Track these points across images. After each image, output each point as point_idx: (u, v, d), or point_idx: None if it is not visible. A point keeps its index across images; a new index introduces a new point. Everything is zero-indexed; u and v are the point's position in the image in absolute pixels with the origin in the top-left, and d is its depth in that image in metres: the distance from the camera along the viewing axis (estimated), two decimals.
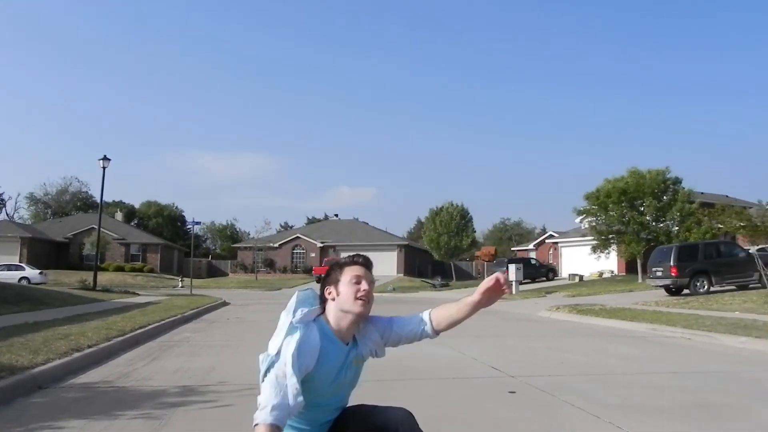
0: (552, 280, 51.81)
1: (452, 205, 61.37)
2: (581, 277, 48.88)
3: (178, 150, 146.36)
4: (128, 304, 21.55)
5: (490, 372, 8.43)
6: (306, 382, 2.79)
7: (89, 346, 9.94)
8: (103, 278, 55.89)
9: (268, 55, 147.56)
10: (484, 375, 8.24)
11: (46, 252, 65.98)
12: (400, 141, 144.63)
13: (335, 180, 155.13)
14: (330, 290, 3.05)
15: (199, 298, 28.00)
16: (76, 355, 9.19)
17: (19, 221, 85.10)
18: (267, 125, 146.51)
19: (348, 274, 3.01)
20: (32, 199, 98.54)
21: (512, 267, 37.55)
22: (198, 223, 52.97)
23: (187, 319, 17.64)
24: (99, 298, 24.35)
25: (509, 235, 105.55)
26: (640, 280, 38.59)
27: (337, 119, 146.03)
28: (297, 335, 2.85)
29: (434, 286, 49.98)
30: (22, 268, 45.56)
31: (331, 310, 3.02)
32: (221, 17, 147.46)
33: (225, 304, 27.11)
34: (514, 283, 36.11)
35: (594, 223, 42.31)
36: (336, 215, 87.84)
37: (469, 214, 61.49)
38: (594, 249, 42.50)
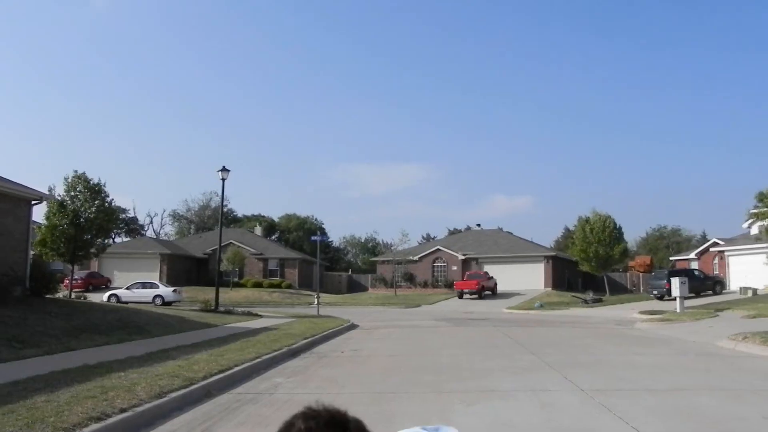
0: (719, 293, 46.39)
1: (599, 214, 56.74)
2: (755, 290, 43.38)
3: (320, 164, 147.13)
4: (239, 331, 19.36)
5: None
6: None
7: (121, 410, 7.43)
8: (239, 295, 55.46)
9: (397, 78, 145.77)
10: None
11: (186, 268, 66.19)
12: (559, 147, 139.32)
13: (491, 189, 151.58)
14: None
15: (324, 321, 25.55)
16: (93, 427, 6.71)
17: (164, 238, 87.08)
18: (427, 136, 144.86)
19: None
20: (176, 216, 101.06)
21: (675, 281, 33.08)
22: (322, 238, 51.25)
23: (294, 353, 15.07)
24: (212, 323, 22.34)
25: (666, 243, 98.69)
26: None
27: (500, 125, 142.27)
28: None
29: (586, 301, 45.72)
30: (157, 286, 44.92)
31: None
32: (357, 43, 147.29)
33: (352, 327, 24.54)
34: (678, 299, 31.85)
35: None
36: (478, 225, 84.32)
37: (617, 224, 56.60)
38: None
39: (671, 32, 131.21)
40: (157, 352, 13.21)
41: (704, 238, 79.95)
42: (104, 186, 33.16)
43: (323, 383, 10.69)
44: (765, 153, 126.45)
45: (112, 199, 34.06)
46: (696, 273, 46.05)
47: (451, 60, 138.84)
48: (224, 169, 31.77)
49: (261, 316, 28.71)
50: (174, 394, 8.75)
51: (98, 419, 6.96)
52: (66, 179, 32.53)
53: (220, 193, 36.91)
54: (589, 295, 47.36)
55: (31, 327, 16.09)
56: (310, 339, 17.80)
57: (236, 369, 11.34)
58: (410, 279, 67.34)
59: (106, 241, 36.49)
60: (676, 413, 7.92)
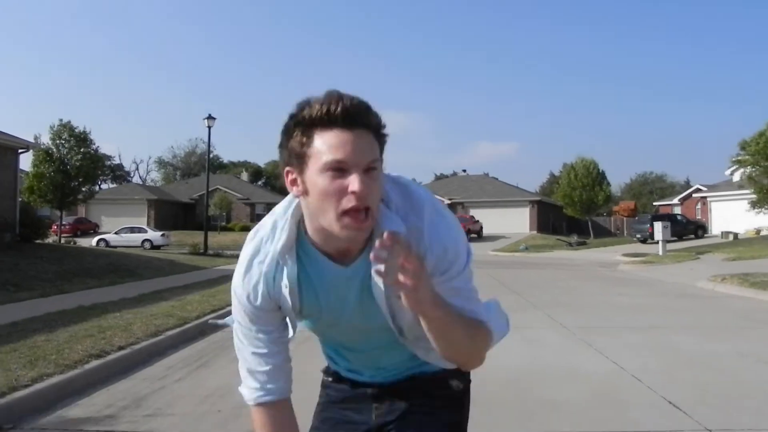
0: (701, 238, 47.06)
1: (584, 160, 56.94)
2: (735, 235, 43.94)
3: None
4: (229, 273, 19.39)
5: (671, 413, 5.43)
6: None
7: (120, 348, 7.68)
8: (227, 239, 55.65)
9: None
10: (662, 423, 5.24)
11: (173, 213, 66.26)
12: (546, 93, 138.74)
13: (476, 136, 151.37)
14: (293, 177, 1.55)
15: None
16: (93, 363, 6.94)
17: (151, 184, 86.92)
18: (410, 84, 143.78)
19: (321, 152, 1.46)
20: (161, 163, 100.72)
21: (658, 225, 33.73)
22: None
23: None
24: (201, 266, 22.59)
25: (650, 189, 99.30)
26: None
27: (480, 73, 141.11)
28: (254, 267, 1.66)
29: (570, 244, 46.28)
30: (145, 231, 45.18)
31: (306, 213, 1.59)
32: None
33: None
34: (661, 243, 32.36)
35: (753, 174, 37.34)
36: (464, 171, 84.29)
37: (601, 169, 56.82)
38: (753, 204, 37.60)
39: None
40: (150, 293, 13.43)
41: (687, 185, 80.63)
42: (90, 134, 33.09)
43: None
44: (748, 101, 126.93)
45: (98, 147, 34.01)
46: (679, 218, 46.71)
47: (434, 7, 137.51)
48: (210, 117, 31.72)
49: None
50: (169, 333, 8.98)
51: (98, 356, 7.18)
52: (52, 127, 32.47)
53: (206, 139, 36.89)
54: (574, 238, 47.97)
55: (24, 271, 16.30)
56: None
57: (228, 308, 11.57)
58: None
59: (93, 188, 36.44)
60: (653, 349, 8.24)
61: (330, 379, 2.00)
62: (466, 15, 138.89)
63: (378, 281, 1.57)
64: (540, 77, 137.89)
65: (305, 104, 1.50)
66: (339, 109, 1.45)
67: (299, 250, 1.65)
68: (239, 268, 1.70)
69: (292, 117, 1.52)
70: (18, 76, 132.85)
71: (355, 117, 1.47)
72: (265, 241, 1.68)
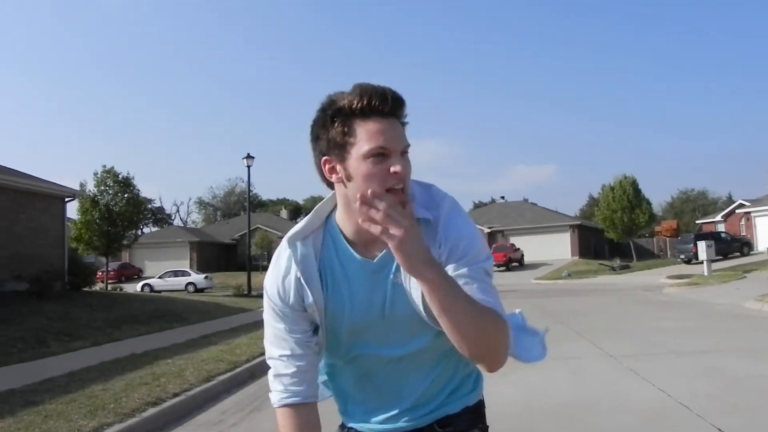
0: (747, 255, 46.23)
1: (625, 178, 56.42)
2: None
3: None
4: None
5: None
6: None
7: (174, 395, 7.89)
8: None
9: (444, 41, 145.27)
10: None
11: (215, 255, 66.92)
12: (582, 113, 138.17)
13: (512, 159, 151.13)
14: (332, 165, 1.65)
15: None
16: (150, 411, 7.15)
17: (192, 226, 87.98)
18: (449, 110, 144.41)
19: (364, 140, 1.56)
20: (201, 204, 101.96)
21: (702, 244, 33.13)
22: None
23: None
24: (246, 308, 22.87)
25: (692, 206, 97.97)
26: None
27: (513, 99, 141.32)
28: (282, 260, 1.73)
29: (613, 269, 45.83)
30: (188, 274, 45.74)
31: (341, 200, 1.69)
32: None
33: None
34: (705, 263, 31.92)
35: None
36: (503, 197, 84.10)
37: (638, 187, 56.19)
38: None
39: None
40: (198, 338, 13.71)
41: (730, 200, 79.37)
42: (132, 179, 33.82)
43: None
44: None
45: (140, 191, 34.76)
46: (723, 235, 46.00)
47: (461, 44, 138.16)
48: (249, 157, 32.23)
49: None
50: (221, 378, 9.19)
51: (154, 404, 7.40)
52: (96, 174, 33.25)
53: (244, 178, 37.50)
54: (617, 262, 47.45)
55: (75, 320, 16.68)
56: None
57: None
58: None
59: (136, 232, 37.21)
60: (701, 374, 8.23)
61: None
62: (496, 46, 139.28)
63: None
64: (575, 97, 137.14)
65: (340, 97, 1.61)
66: (378, 100, 1.57)
67: (328, 239, 1.75)
68: (271, 264, 1.80)
69: (325, 109, 1.63)
70: (61, 125, 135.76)
71: (391, 108, 1.59)
72: (303, 243, 1.75)
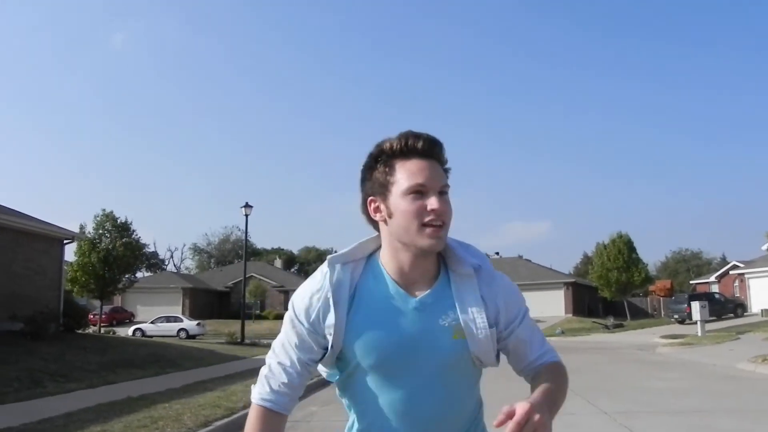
0: (741, 317, 46.27)
1: (620, 236, 56.66)
2: None
3: (345, 194, 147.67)
4: None
5: None
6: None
7: None
8: (262, 327, 55.84)
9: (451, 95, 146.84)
10: None
11: (208, 302, 66.76)
12: (577, 170, 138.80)
13: (507, 215, 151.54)
14: (377, 205, 1.80)
15: None
16: None
17: (185, 272, 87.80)
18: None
19: (403, 178, 1.72)
20: (196, 250, 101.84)
21: (695, 304, 33.23)
22: None
23: (325, 382, 15.44)
24: (240, 355, 22.87)
25: (686, 266, 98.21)
26: None
27: (510, 152, 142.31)
28: (318, 277, 1.81)
29: (607, 327, 45.75)
30: (180, 320, 45.47)
31: (385, 239, 1.81)
32: (393, 56, 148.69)
33: None
34: (699, 323, 31.97)
35: None
36: (497, 253, 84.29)
37: (633, 246, 56.48)
38: None
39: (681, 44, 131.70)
40: (194, 384, 13.73)
41: (724, 261, 79.54)
42: (130, 224, 33.99)
43: None
44: None
45: (139, 236, 34.89)
46: (716, 296, 46.10)
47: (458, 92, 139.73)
48: (247, 206, 32.39)
49: None
50: (218, 423, 9.25)
51: None
52: (95, 217, 33.43)
53: (240, 226, 37.64)
54: (610, 321, 47.39)
55: (70, 362, 16.68)
56: None
57: None
58: None
59: (132, 276, 37.25)
60: None
61: None
62: (489, 97, 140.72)
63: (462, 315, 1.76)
64: (574, 151, 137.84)
65: (385, 141, 1.78)
66: (416, 141, 1.74)
67: (368, 273, 1.83)
68: (306, 281, 1.87)
69: (372, 154, 1.79)
70: (62, 166, 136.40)
71: (428, 148, 1.75)
72: (343, 268, 1.82)
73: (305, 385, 1.92)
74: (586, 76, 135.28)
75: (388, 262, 1.82)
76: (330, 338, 1.78)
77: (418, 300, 1.78)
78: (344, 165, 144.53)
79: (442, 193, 1.74)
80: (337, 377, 1.91)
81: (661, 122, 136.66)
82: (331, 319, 1.77)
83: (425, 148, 1.75)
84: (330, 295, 1.77)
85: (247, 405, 8.32)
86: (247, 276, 66.80)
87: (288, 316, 1.87)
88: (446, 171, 1.81)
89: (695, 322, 34.97)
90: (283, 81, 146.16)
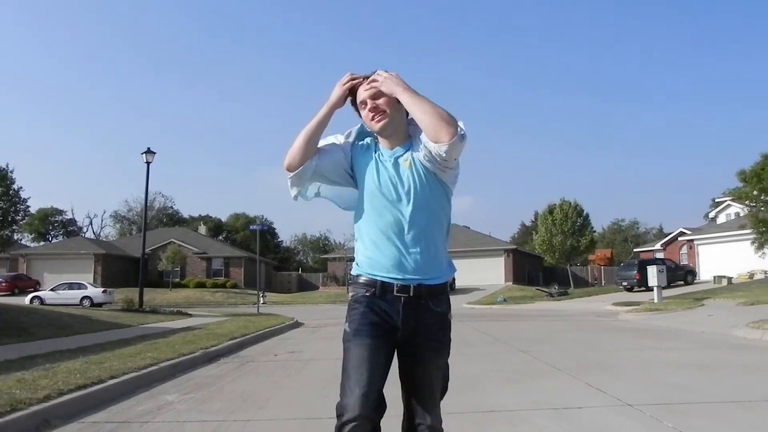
0: (691, 284, 43.87)
1: (566, 202, 53.93)
2: (730, 279, 40.92)
3: (272, 166, 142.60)
4: (152, 332, 15.71)
5: None
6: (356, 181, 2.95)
7: None
8: (179, 295, 51.52)
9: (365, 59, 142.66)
10: None
11: (124, 269, 61.58)
12: (497, 149, 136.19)
13: None
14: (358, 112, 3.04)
15: (262, 320, 21.91)
16: None
17: (104, 239, 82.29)
18: None
19: (358, 99, 2.93)
20: (116, 217, 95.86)
21: (652, 269, 30.22)
22: (261, 226, 47.53)
23: (210, 358, 11.45)
24: (125, 323, 18.62)
25: (624, 236, 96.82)
26: None
27: None
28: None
29: (551, 295, 42.71)
30: (85, 287, 40.74)
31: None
32: (323, 29, 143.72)
33: (295, 325, 21.01)
34: (656, 289, 28.93)
35: (754, 211, 34.29)
36: None
37: (585, 211, 53.98)
38: (758, 244, 34.43)
39: (619, 31, 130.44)
40: (16, 360, 9.55)
41: (662, 231, 78.28)
42: (11, 172, 29.13)
43: (234, 402, 7.10)
44: (709, 148, 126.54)
45: (20, 187, 30.02)
46: (667, 263, 43.31)
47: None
48: (149, 152, 27.84)
49: (191, 316, 25.01)
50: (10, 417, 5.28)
51: None
52: None
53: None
54: (554, 288, 44.55)
55: None
56: (238, 339, 14.22)
57: (111, 382, 7.69)
58: None
59: (10, 232, 32.30)
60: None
61: (364, 291, 2.82)
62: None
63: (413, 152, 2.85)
64: (494, 129, 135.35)
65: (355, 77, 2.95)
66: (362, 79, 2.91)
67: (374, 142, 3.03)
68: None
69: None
70: None
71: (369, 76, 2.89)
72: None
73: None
74: (506, 42, 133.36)
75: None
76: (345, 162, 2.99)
77: (393, 151, 2.91)
78: (270, 138, 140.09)
79: (374, 98, 2.84)
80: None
81: (590, 89, 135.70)
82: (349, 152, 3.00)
83: (367, 76, 2.89)
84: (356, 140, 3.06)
85: (54, 394, 4.38)
86: (166, 242, 62.42)
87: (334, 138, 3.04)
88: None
89: (647, 289, 32.50)
90: (207, 63, 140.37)
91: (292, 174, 2.84)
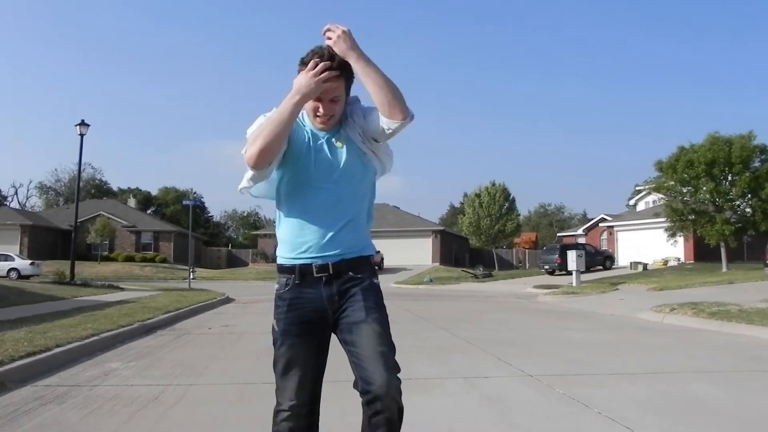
0: (610, 269, 45.75)
1: (494, 185, 55.28)
2: (645, 265, 42.82)
3: (203, 140, 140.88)
4: (88, 304, 16.02)
5: None
6: (284, 160, 2.80)
7: None
8: (108, 269, 51.16)
9: (291, 40, 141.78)
10: None
11: (51, 241, 60.61)
12: (429, 128, 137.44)
13: None
14: None
15: (194, 294, 22.40)
16: None
17: (30, 210, 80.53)
18: None
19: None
20: (43, 188, 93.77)
21: (572, 254, 31.64)
22: (194, 202, 47.45)
23: (147, 330, 11.99)
24: (58, 296, 18.84)
25: (549, 220, 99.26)
26: (724, 269, 32.73)
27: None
28: None
29: (476, 276, 44.01)
30: (12, 259, 40.29)
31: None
32: (246, 5, 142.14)
33: (227, 301, 21.56)
34: (575, 273, 30.30)
35: (669, 201, 36.03)
36: None
37: (511, 195, 55.43)
38: (671, 232, 36.23)
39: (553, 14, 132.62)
40: None
41: (586, 217, 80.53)
42: None
43: (175, 369, 7.73)
44: (632, 135, 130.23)
45: None
46: (587, 248, 45.05)
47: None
48: (83, 123, 27.78)
49: (122, 289, 25.19)
50: None
51: None
52: None
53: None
54: (479, 270, 45.81)
55: None
56: (173, 313, 14.75)
57: (57, 351, 8.22)
58: None
59: None
60: (681, 409, 5.50)
61: (284, 283, 2.84)
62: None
63: (348, 132, 2.84)
64: (427, 107, 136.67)
65: (306, 55, 2.76)
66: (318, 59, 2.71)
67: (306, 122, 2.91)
68: None
69: (300, 61, 2.78)
70: None
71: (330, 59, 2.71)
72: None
73: None
74: (437, 20, 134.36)
75: (311, 120, 2.89)
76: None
77: (327, 133, 2.86)
78: (212, 109, 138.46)
79: (333, 101, 2.76)
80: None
81: (532, 78, 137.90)
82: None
83: (326, 57, 2.71)
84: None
85: (7, 360, 4.86)
86: (94, 214, 61.63)
87: (257, 118, 2.84)
88: (350, 78, 2.79)
89: (567, 273, 33.76)
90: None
91: (255, 172, 2.72)
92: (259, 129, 2.65)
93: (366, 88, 2.68)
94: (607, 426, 4.89)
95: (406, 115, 2.67)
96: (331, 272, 2.75)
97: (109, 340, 10.04)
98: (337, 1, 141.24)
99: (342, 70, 2.70)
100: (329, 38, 2.70)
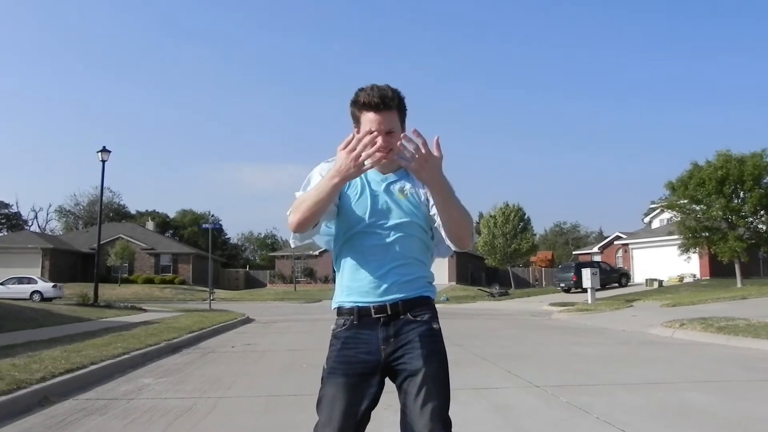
0: (625, 286, 45.88)
1: (508, 206, 55.77)
2: (660, 282, 42.98)
3: (220, 162, 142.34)
4: (114, 325, 16.61)
5: None
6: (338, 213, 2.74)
7: None
8: (128, 291, 51.86)
9: (307, 61, 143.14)
10: None
11: (71, 264, 61.51)
12: (447, 148, 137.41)
13: None
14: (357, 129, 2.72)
15: (215, 315, 22.97)
16: None
17: (50, 234, 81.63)
18: (311, 135, 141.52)
19: (364, 123, 2.64)
20: (62, 212, 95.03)
21: (586, 272, 31.94)
22: (213, 225, 48.14)
23: (174, 349, 12.55)
24: (85, 317, 19.46)
25: (565, 239, 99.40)
26: (739, 285, 32.92)
27: None
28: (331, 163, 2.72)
29: (492, 295, 44.39)
30: (35, 282, 41.02)
31: None
32: (262, 27, 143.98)
33: (247, 321, 22.08)
34: (590, 291, 30.66)
35: (682, 218, 36.34)
36: None
37: (526, 215, 55.87)
38: (684, 249, 36.51)
39: (572, 32, 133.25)
40: None
41: (602, 234, 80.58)
42: None
43: (204, 384, 8.26)
44: (648, 152, 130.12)
45: None
46: (602, 266, 45.30)
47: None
48: (104, 150, 28.57)
49: (145, 311, 25.82)
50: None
51: None
52: None
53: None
54: (496, 289, 46.14)
55: None
56: (196, 333, 15.31)
57: (93, 368, 8.79)
58: (310, 274, 64.94)
59: None
60: (674, 414, 5.96)
61: (342, 323, 2.72)
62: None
63: (413, 182, 2.71)
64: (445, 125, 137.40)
65: (356, 95, 2.65)
66: (370, 99, 2.59)
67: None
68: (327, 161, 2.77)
69: (351, 102, 2.69)
70: None
71: (378, 103, 2.59)
72: None
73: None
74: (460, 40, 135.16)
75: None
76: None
77: (386, 176, 2.74)
78: (229, 131, 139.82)
79: (389, 133, 2.57)
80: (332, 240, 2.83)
81: (541, 95, 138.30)
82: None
83: (376, 103, 2.58)
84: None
85: (49, 376, 5.34)
86: (113, 237, 62.42)
87: (311, 172, 2.80)
88: (402, 111, 2.69)
89: (583, 290, 33.98)
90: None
91: (299, 234, 2.67)
92: (300, 199, 2.59)
93: (440, 218, 2.57)
94: (605, 429, 5.36)
95: (469, 245, 2.69)
96: (389, 312, 2.63)
97: (138, 358, 10.59)
98: (351, 19, 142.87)
99: (395, 107, 2.61)
100: (415, 155, 2.38)
